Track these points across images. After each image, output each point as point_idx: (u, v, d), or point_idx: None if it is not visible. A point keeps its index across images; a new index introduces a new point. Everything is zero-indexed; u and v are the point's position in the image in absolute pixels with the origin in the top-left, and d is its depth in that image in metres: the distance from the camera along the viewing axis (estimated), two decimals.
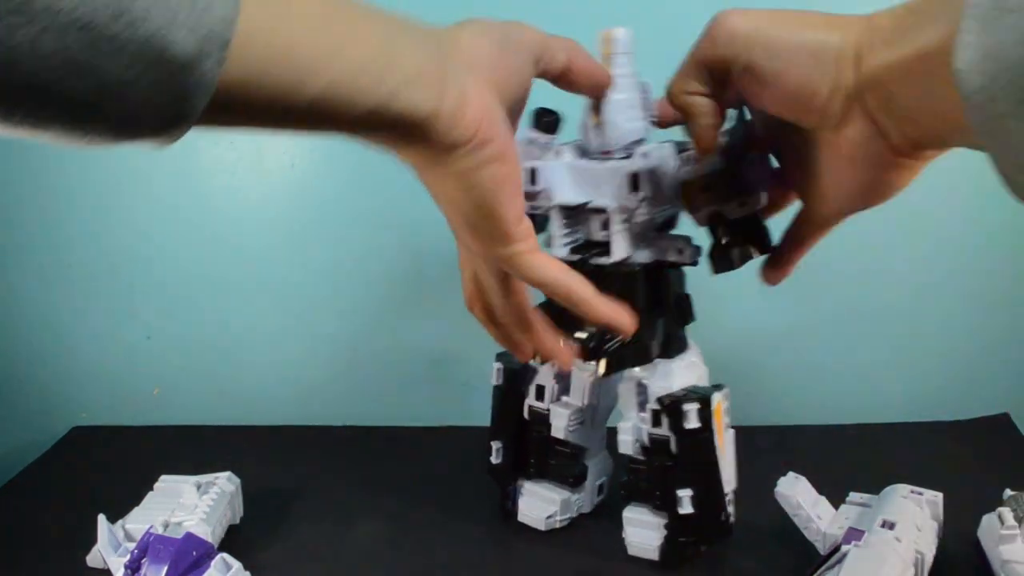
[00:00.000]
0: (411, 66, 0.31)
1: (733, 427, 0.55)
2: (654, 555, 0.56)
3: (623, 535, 0.57)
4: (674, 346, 0.55)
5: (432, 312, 0.83)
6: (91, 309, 0.87)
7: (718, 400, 0.53)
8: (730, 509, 0.54)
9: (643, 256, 0.52)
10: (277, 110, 0.28)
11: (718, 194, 0.48)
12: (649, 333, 0.52)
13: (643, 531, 0.56)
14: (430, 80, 0.32)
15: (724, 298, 0.78)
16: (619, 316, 0.43)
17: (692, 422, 0.51)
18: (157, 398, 0.89)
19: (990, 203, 0.73)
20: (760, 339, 0.80)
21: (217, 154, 0.82)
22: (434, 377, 0.85)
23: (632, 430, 0.55)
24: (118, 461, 0.78)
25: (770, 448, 0.70)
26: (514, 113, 0.39)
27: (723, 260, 0.50)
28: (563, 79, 0.42)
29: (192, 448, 0.80)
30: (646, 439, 0.54)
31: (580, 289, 0.41)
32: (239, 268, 0.85)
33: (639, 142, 0.49)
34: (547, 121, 0.51)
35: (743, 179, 0.47)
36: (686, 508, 0.52)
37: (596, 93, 0.46)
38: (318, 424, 0.83)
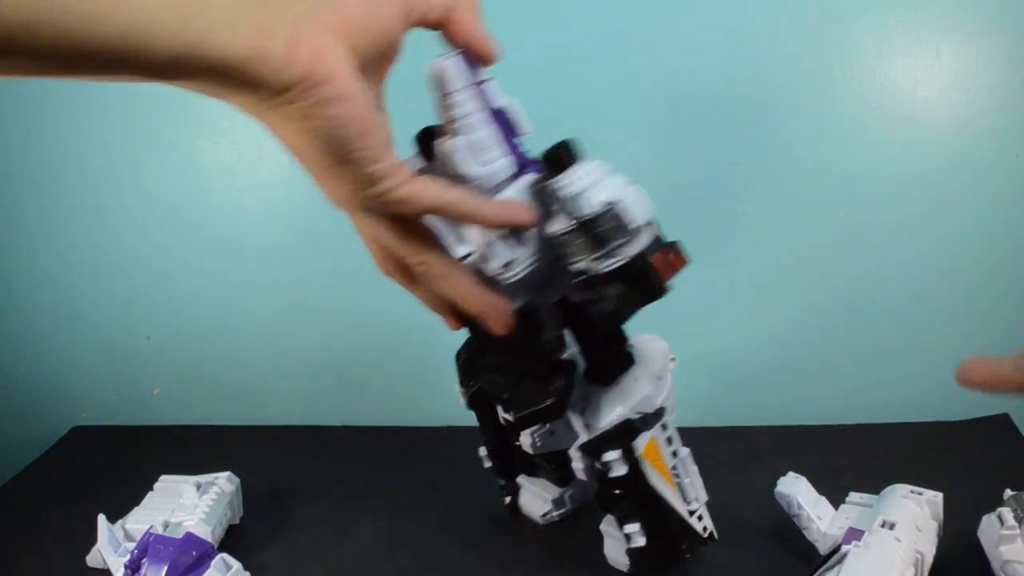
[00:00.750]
0: (223, 8, 0.30)
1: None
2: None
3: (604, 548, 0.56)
4: (609, 372, 0.50)
5: (432, 312, 0.83)
6: (91, 309, 0.87)
7: (650, 438, 0.49)
8: (704, 522, 0.53)
9: (548, 295, 0.46)
10: (68, 56, 0.27)
11: (580, 249, 0.42)
12: (559, 387, 0.47)
13: (619, 545, 0.55)
14: (248, 23, 0.30)
15: (723, 298, 0.78)
16: (512, 213, 0.41)
17: (618, 470, 0.48)
18: (157, 398, 0.89)
19: (990, 204, 0.73)
20: (760, 339, 0.80)
21: (217, 154, 0.82)
22: (433, 377, 0.85)
23: (583, 456, 0.52)
24: (118, 461, 0.78)
25: (770, 448, 0.70)
26: (373, 62, 0.36)
27: (603, 321, 0.43)
28: (442, 31, 0.39)
29: (192, 448, 0.79)
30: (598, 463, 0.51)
31: (463, 202, 0.39)
32: (239, 268, 0.85)
33: (514, 176, 0.42)
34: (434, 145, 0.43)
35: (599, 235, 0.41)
36: (637, 542, 0.51)
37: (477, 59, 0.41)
38: (318, 424, 0.83)
